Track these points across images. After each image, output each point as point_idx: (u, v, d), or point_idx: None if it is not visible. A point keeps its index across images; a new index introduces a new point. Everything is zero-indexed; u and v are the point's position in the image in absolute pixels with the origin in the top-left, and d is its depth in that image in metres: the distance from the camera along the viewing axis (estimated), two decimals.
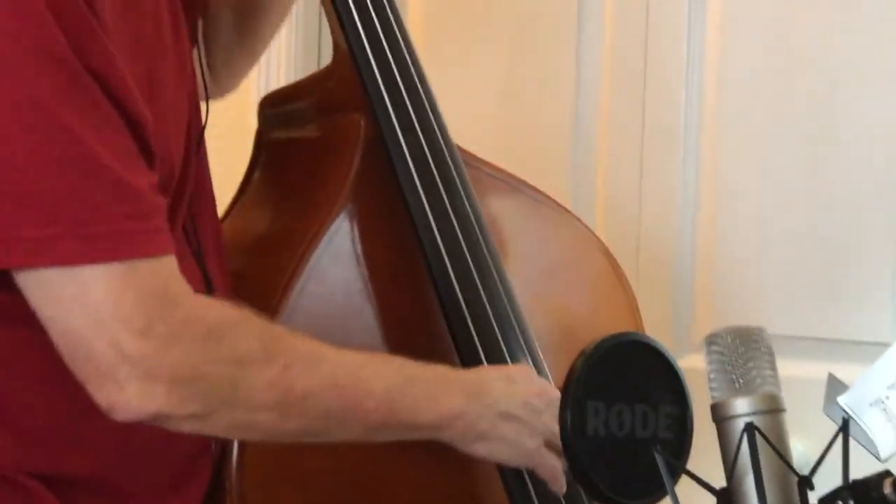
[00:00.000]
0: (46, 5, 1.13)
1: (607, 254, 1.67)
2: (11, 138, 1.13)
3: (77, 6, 1.15)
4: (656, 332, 1.74)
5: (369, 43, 1.44)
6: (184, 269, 1.32)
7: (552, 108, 2.31)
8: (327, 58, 2.31)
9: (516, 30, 2.33)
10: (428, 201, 1.44)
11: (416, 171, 1.44)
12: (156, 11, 1.34)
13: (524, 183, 1.63)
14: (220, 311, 1.24)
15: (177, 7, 1.41)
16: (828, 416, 1.09)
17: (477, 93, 2.34)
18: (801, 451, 1.20)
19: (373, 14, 1.45)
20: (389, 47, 1.45)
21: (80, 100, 1.15)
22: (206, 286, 1.36)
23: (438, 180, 1.45)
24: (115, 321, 1.15)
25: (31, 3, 1.13)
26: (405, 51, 1.47)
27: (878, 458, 1.06)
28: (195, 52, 1.48)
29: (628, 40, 2.26)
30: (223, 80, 1.62)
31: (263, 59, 2.32)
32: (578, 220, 1.68)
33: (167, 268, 1.20)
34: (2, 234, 1.14)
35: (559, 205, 1.66)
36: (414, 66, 1.47)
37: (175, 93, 1.35)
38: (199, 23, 1.54)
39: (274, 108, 1.58)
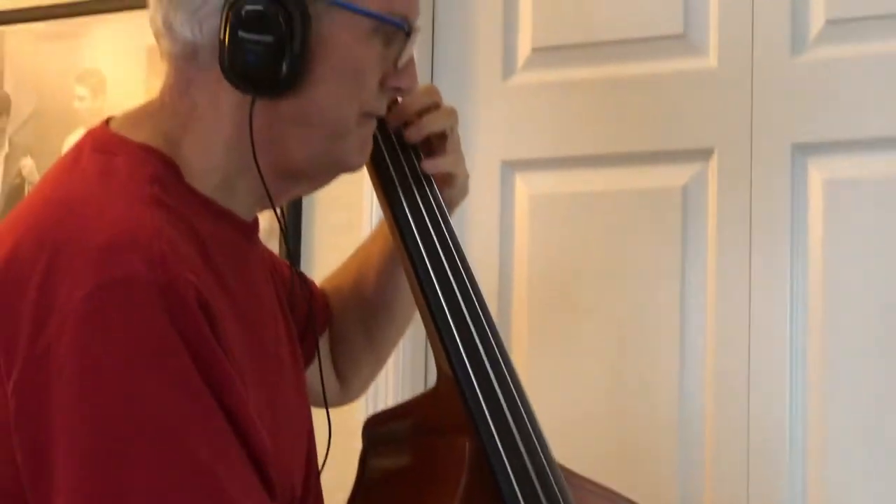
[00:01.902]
0: (181, 341, 1.19)
1: None
2: (141, 462, 1.17)
3: (208, 342, 1.21)
4: None
5: (474, 372, 1.47)
6: None
7: (657, 412, 2.33)
8: (433, 378, 2.35)
9: (620, 327, 2.37)
10: None
11: (521, 493, 1.46)
12: (276, 337, 1.41)
13: (628, 500, 1.63)
14: None
15: (292, 332, 1.48)
16: None
17: (581, 391, 2.36)
18: None
19: (478, 344, 1.49)
20: (494, 374, 1.48)
21: (210, 433, 1.20)
22: None
23: (543, 502, 1.46)
24: None
25: (166, 336, 1.19)
26: (508, 375, 1.50)
27: None
28: (315, 367, 1.54)
29: (730, 354, 2.29)
30: (353, 385, 1.69)
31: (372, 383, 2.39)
32: None
33: None
34: None
35: None
36: (517, 389, 1.50)
37: (294, 415, 1.41)
38: (326, 336, 1.60)
39: (379, 428, 1.59)
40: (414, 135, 1.54)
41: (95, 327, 1.17)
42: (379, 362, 1.73)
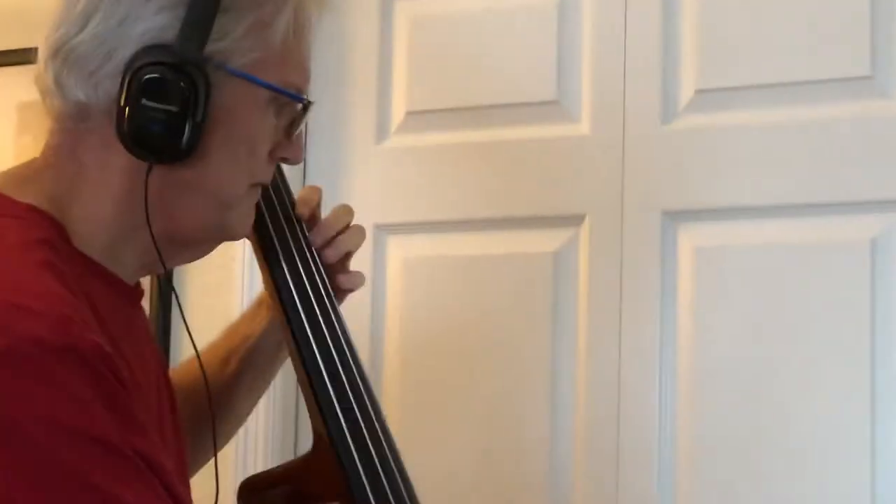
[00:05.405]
0: (96, 399, 1.17)
1: None
2: None
3: (121, 396, 1.19)
4: None
5: (352, 438, 1.47)
6: None
7: (527, 477, 2.34)
8: (303, 441, 2.33)
9: (492, 390, 2.38)
10: None
11: None
12: (159, 407, 1.40)
13: None
14: None
15: (175, 402, 1.47)
16: None
17: (453, 455, 2.37)
18: None
19: (354, 405, 1.49)
20: (371, 441, 1.48)
21: (138, 484, 1.18)
22: None
23: None
24: None
25: (78, 397, 1.16)
26: (385, 442, 1.49)
27: None
28: None
29: (600, 420, 2.30)
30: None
31: (241, 445, 2.36)
32: None
33: None
34: None
35: None
36: (394, 457, 1.50)
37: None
38: None
39: (253, 493, 1.59)
40: (332, 256, 1.58)
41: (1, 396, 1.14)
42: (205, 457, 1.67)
